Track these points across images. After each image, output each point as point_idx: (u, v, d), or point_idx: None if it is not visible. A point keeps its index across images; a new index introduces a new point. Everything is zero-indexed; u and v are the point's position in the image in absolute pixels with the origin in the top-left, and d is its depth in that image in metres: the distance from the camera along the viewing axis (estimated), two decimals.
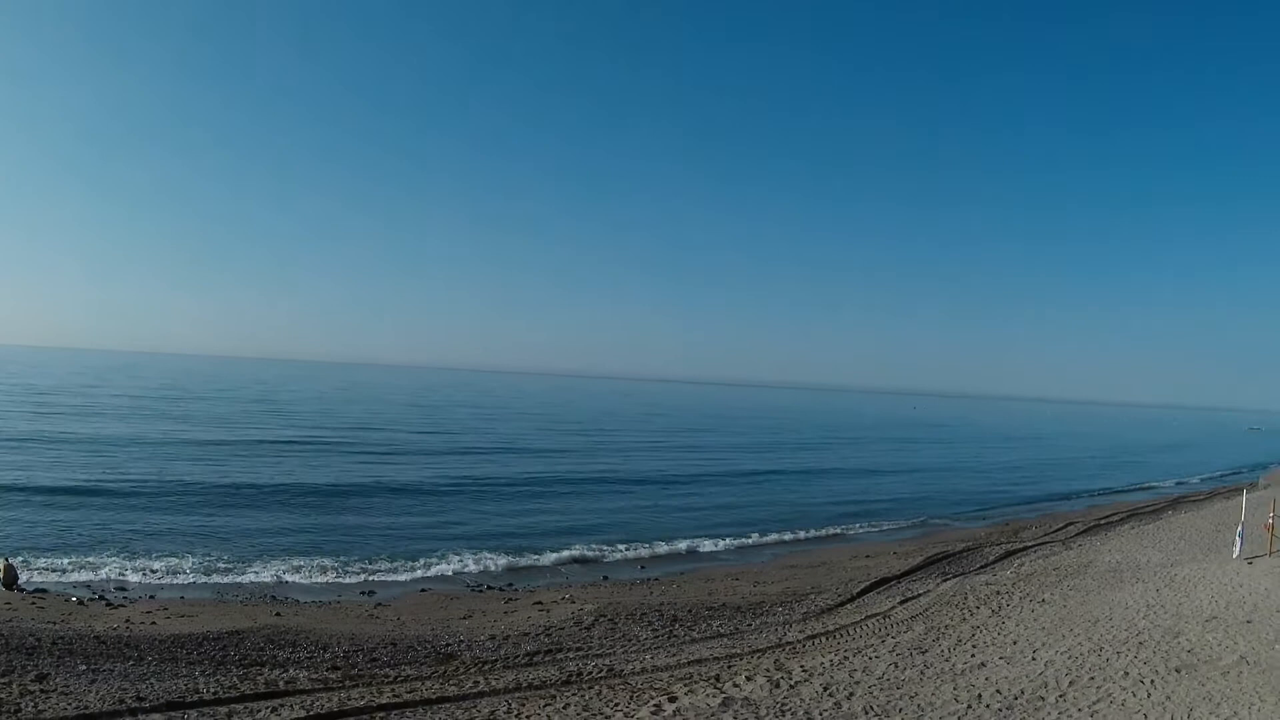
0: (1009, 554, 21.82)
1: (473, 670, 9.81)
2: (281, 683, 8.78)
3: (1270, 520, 20.26)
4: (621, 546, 20.52)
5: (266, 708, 8.00)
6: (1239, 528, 20.47)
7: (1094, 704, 9.96)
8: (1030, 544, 23.88)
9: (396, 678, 9.18)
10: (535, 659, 10.53)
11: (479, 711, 8.15)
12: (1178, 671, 11.07)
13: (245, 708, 7.95)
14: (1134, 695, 10.21)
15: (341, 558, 17.31)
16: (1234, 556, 19.37)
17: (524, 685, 9.21)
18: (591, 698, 8.80)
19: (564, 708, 8.41)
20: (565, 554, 19.22)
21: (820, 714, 8.88)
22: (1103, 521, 30.45)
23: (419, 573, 16.76)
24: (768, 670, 10.40)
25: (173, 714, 7.43)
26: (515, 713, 8.17)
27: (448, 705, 8.31)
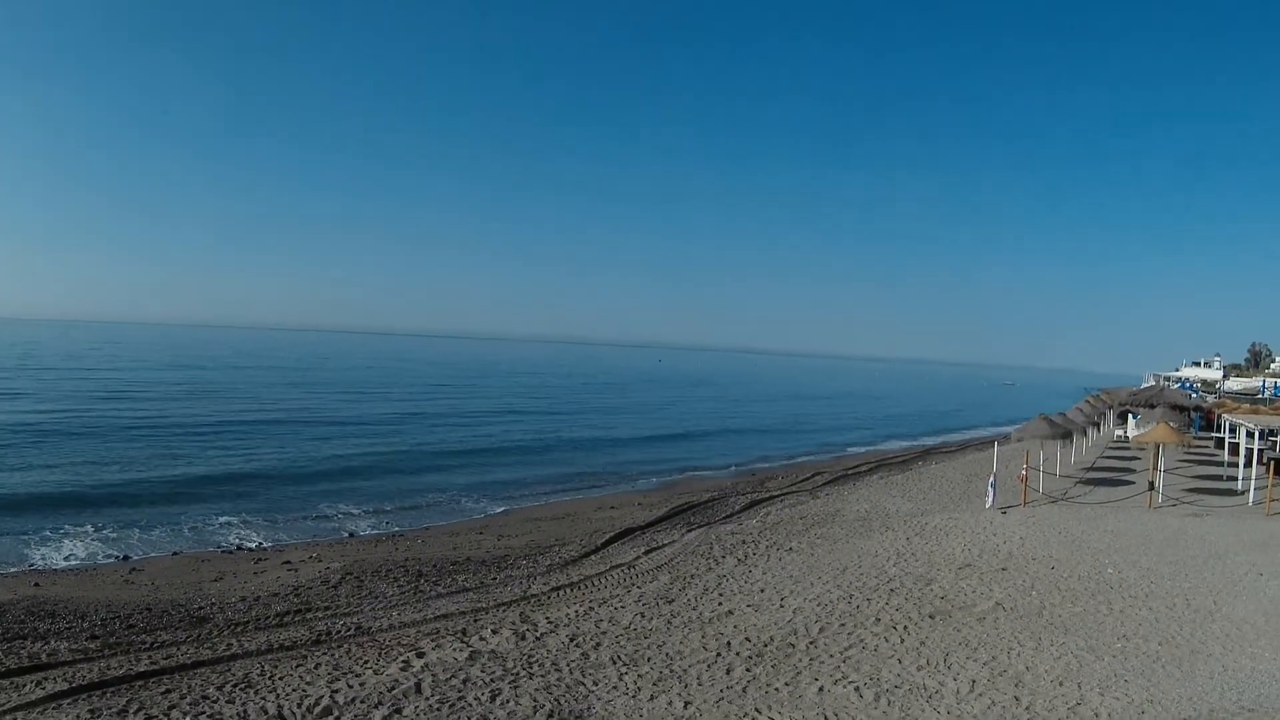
0: (754, 504, 32.83)
1: (226, 633, 15.01)
2: (44, 655, 13.74)
3: (1024, 472, 31.56)
4: (367, 504, 32.21)
5: (31, 681, 12.40)
6: (991, 478, 31.61)
7: (845, 650, 14.96)
8: (776, 494, 35.93)
9: (153, 644, 14.26)
10: (286, 619, 16.00)
11: (233, 674, 12.71)
12: (932, 618, 17.01)
13: (11, 683, 12.38)
14: (886, 640, 15.51)
15: (96, 523, 27.03)
16: (987, 507, 29.86)
17: (276, 646, 14.18)
18: (341, 656, 13.60)
19: (315, 667, 12.94)
20: (313, 512, 30.19)
21: (567, 665, 13.46)
22: (850, 472, 44.61)
23: (171, 535, 26.21)
24: (513, 623, 15.71)
25: None
26: (269, 674, 12.67)
27: (203, 670, 12.98)
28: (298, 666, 12.99)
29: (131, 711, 11.32)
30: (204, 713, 11.21)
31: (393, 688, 12.23)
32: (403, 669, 12.97)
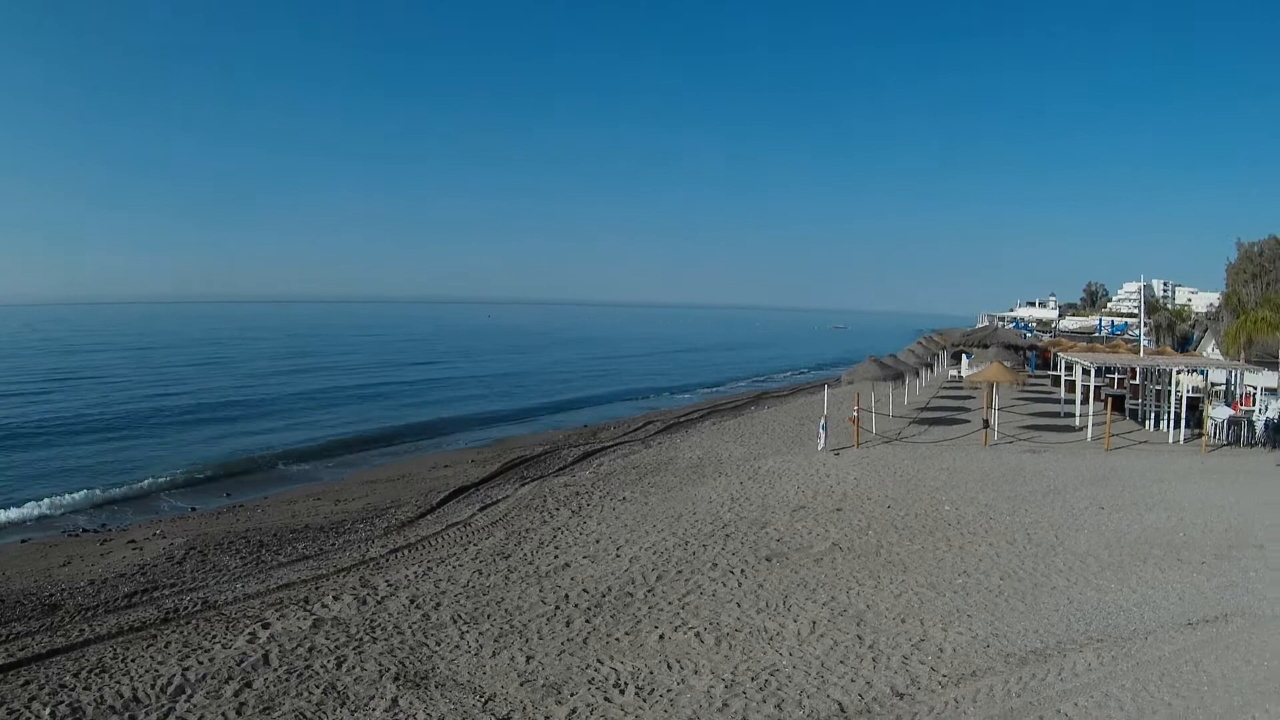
0: (587, 455, 34.43)
1: (78, 619, 15.53)
2: None
3: (854, 414, 33.04)
4: (208, 476, 33.65)
5: None
6: (822, 421, 33.06)
7: (684, 596, 15.70)
8: (609, 444, 37.45)
9: (7, 635, 14.62)
10: (134, 600, 16.70)
11: (88, 660, 13.21)
12: (768, 561, 17.91)
13: None
14: (724, 585, 16.31)
15: None
16: (819, 449, 31.34)
17: (127, 628, 14.81)
18: (190, 633, 14.36)
19: (166, 646, 13.65)
20: (155, 487, 31.25)
21: (409, 627, 14.42)
22: (683, 419, 46.56)
23: (17, 521, 26.53)
24: (354, 588, 16.73)
25: None
26: (121, 657, 13.27)
27: (58, 658, 13.40)
28: (149, 647, 13.62)
29: None
30: (63, 701, 11.63)
31: (241, 661, 12.86)
32: (250, 641, 13.71)
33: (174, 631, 14.42)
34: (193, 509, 27.55)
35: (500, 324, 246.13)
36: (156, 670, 12.56)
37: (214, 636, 14.02)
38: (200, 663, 12.81)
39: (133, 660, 13.03)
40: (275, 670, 12.50)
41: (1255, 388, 39.64)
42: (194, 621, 15.01)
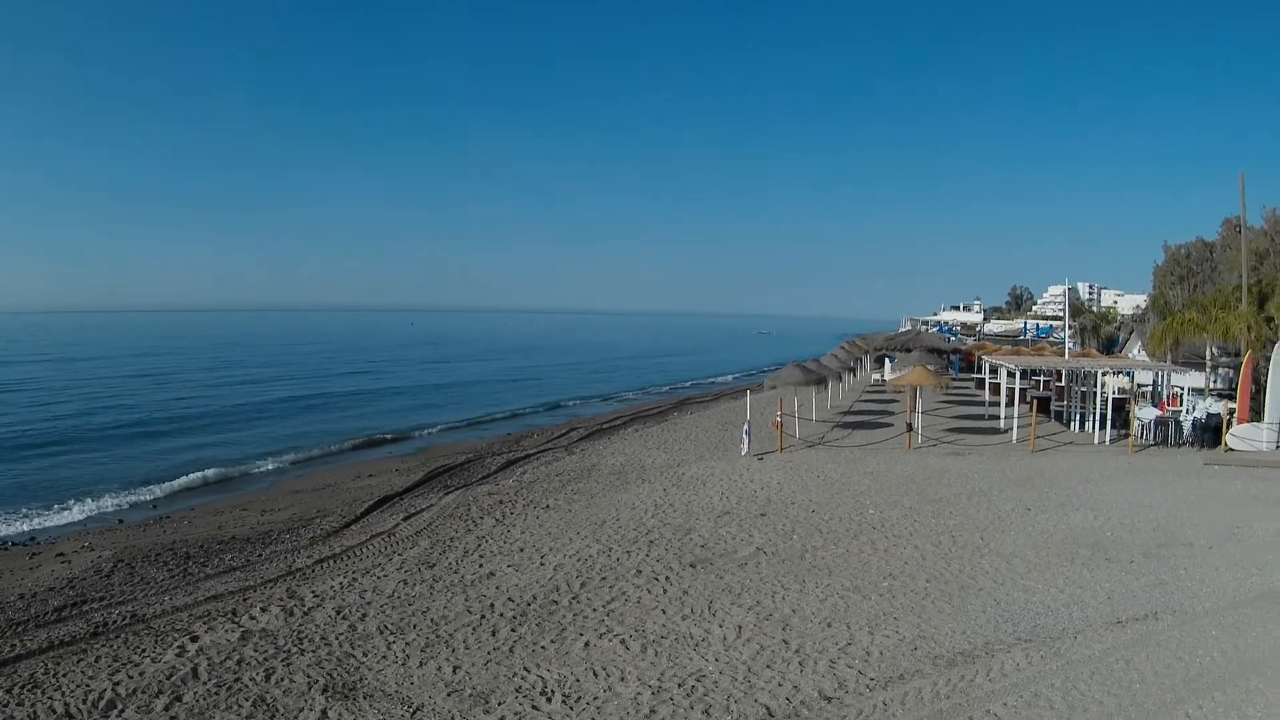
0: (511, 463, 35.10)
1: (9, 634, 15.63)
2: None
3: (778, 418, 33.30)
4: (134, 485, 33.85)
5: None
6: (746, 426, 33.45)
7: (609, 603, 15.74)
8: (532, 451, 37.95)
9: None
10: (64, 614, 16.88)
11: (20, 676, 13.39)
12: (693, 566, 18.01)
13: None
14: (649, 592, 16.38)
15: None
16: (742, 454, 31.61)
17: (57, 643, 15.07)
18: (120, 646, 14.59)
19: (96, 660, 13.87)
20: (82, 498, 31.24)
21: (336, 638, 14.63)
22: (606, 426, 47.04)
23: None
24: (281, 599, 17.00)
25: None
26: (53, 673, 13.47)
27: None
28: (79, 661, 13.89)
29: None
30: None
31: (171, 674, 13.07)
32: (179, 655, 13.96)
33: (104, 645, 14.68)
34: (120, 521, 27.95)
35: (424, 331, 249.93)
36: (88, 685, 12.76)
37: (143, 650, 14.28)
38: (130, 677, 13.03)
39: (64, 675, 13.27)
40: (205, 684, 12.70)
41: (1182, 388, 40.85)
42: (123, 635, 15.29)
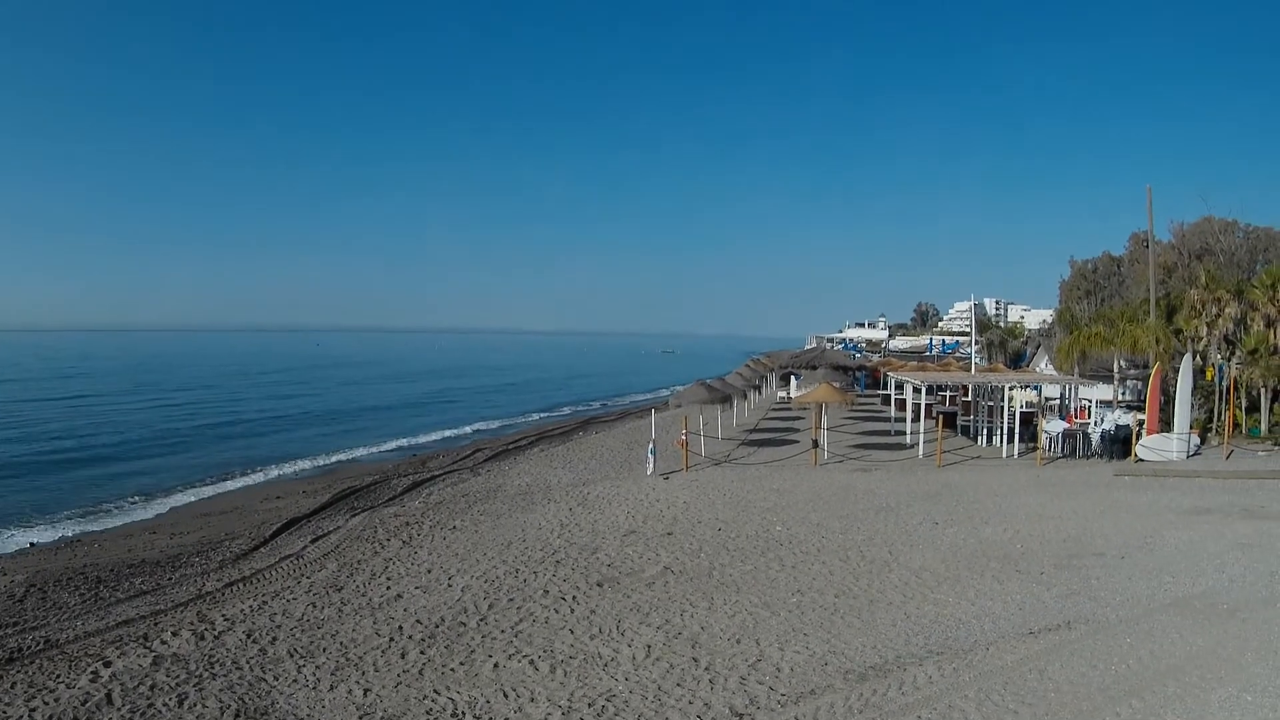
0: (417, 484, 35.67)
1: None
2: None
3: (683, 437, 33.54)
4: (44, 509, 34.34)
5: None
6: (650, 445, 33.88)
7: (516, 624, 15.77)
8: (438, 472, 38.32)
9: None
10: None
11: None
12: (600, 586, 18.07)
13: None
14: (556, 612, 16.41)
15: None
16: (648, 473, 31.84)
17: None
18: (34, 673, 14.75)
19: (11, 687, 13.93)
20: None
21: (247, 662, 14.81)
22: (511, 446, 47.53)
23: None
24: (192, 623, 17.17)
25: None
26: None
27: None
28: None
29: None
30: None
31: (85, 701, 13.15)
32: (92, 680, 14.06)
33: (19, 672, 14.84)
34: (31, 544, 28.40)
35: (329, 353, 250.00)
36: (4, 712, 12.91)
37: (58, 676, 14.44)
38: (46, 703, 13.13)
39: None
40: (119, 709, 12.79)
41: (1090, 401, 41.98)
42: (38, 661, 15.45)
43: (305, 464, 46.17)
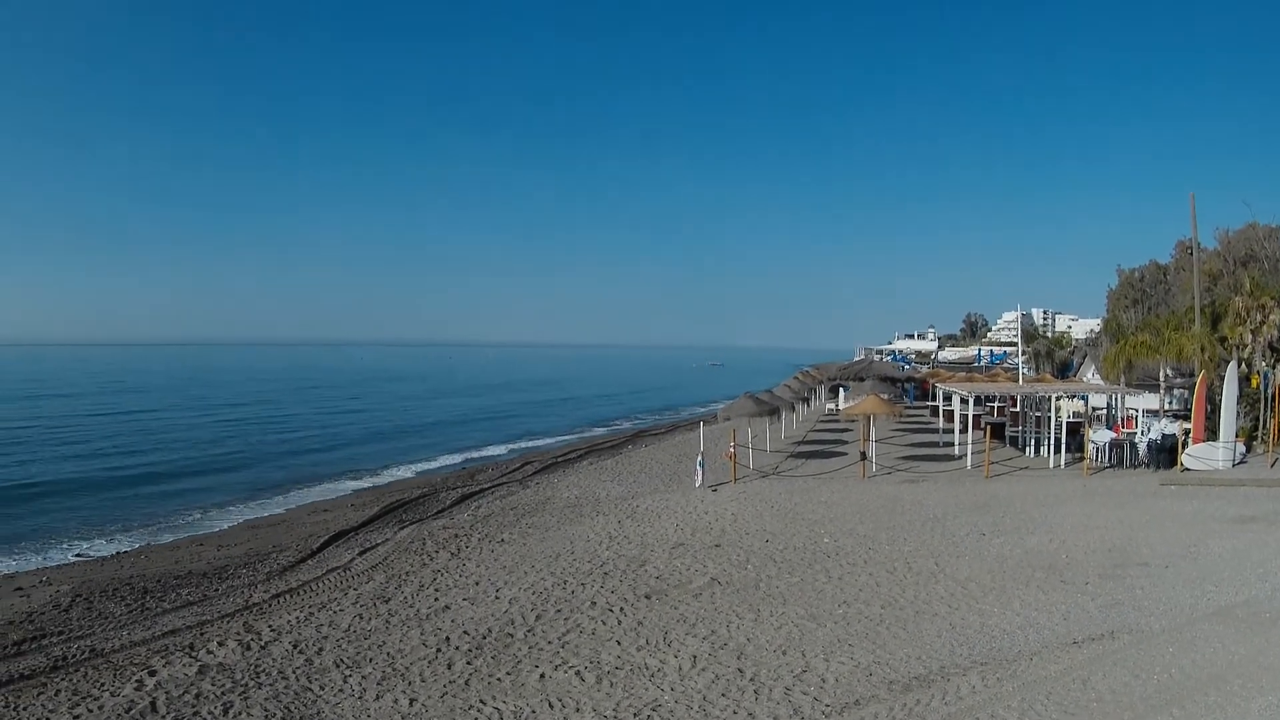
0: (465, 497, 36.00)
1: None
2: None
3: (731, 449, 33.64)
4: (92, 522, 34.68)
5: None
6: (699, 458, 33.95)
7: (563, 635, 15.92)
8: (487, 485, 38.74)
9: None
10: (23, 648, 17.34)
11: None
12: (648, 598, 18.22)
13: None
14: (604, 623, 16.55)
15: None
16: (696, 486, 31.94)
17: (17, 677, 15.41)
18: (79, 680, 14.93)
19: (56, 694, 14.21)
20: (40, 533, 32.48)
21: (293, 672, 14.93)
22: (560, 459, 48.04)
23: None
24: (238, 634, 17.39)
25: None
26: (14, 706, 13.73)
27: None
28: (39, 695, 14.20)
29: None
30: None
31: (130, 709, 13.28)
32: (137, 689, 14.19)
33: (63, 679, 14.99)
34: (77, 556, 28.51)
35: (383, 367, 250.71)
36: (48, 718, 13.07)
37: (102, 684, 14.56)
38: (90, 711, 13.29)
39: (25, 709, 13.53)
40: (163, 717, 12.96)
41: (1137, 410, 41.60)
42: (83, 669, 15.59)
43: (353, 479, 46.55)
